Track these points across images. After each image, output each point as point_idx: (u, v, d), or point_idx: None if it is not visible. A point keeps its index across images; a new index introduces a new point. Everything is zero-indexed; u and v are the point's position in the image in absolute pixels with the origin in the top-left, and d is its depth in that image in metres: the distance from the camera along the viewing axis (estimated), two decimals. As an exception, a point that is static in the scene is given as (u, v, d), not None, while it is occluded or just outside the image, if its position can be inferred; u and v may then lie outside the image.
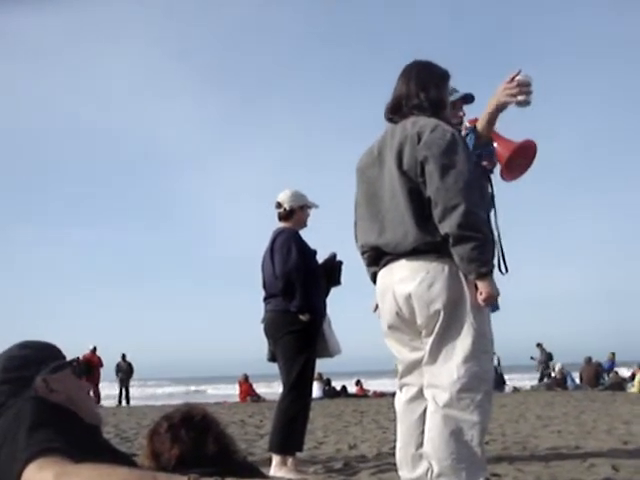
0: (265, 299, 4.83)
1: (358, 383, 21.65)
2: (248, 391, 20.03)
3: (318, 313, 4.71)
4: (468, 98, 3.68)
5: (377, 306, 3.03)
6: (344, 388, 20.87)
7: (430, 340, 2.72)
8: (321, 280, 4.86)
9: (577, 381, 20.41)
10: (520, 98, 2.93)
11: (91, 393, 2.00)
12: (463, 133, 3.27)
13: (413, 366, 2.86)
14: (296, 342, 4.57)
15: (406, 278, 2.75)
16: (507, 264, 3.34)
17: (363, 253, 2.98)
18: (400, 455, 2.91)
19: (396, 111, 2.96)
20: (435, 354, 2.72)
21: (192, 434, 2.20)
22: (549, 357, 22.50)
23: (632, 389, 17.51)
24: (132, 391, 21.67)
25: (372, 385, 24.15)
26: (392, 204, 2.80)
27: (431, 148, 2.68)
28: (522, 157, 3.46)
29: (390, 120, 2.99)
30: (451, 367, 2.67)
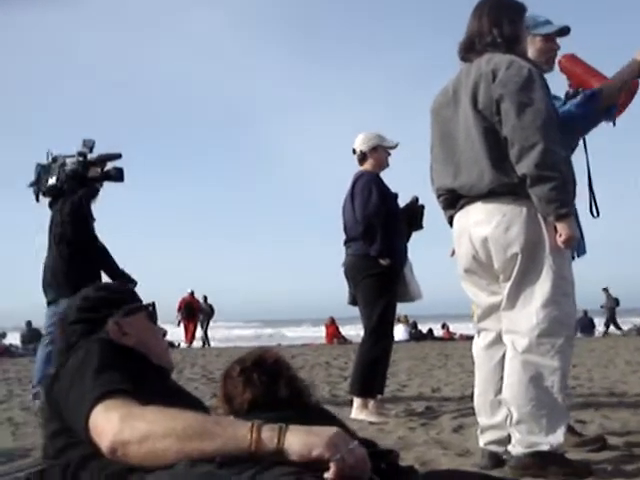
0: (345, 243, 4.82)
1: (444, 326, 21.63)
2: (334, 333, 20.30)
3: (398, 257, 4.66)
4: (564, 31, 3.38)
5: (454, 250, 2.95)
6: (430, 331, 20.92)
7: (508, 285, 2.64)
8: (402, 224, 4.80)
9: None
10: None
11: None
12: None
13: (490, 310, 2.79)
14: (376, 286, 4.55)
15: (482, 221, 2.66)
16: (598, 207, 3.16)
17: (439, 196, 2.90)
18: (478, 401, 2.85)
19: (470, 49, 2.83)
20: (513, 299, 2.64)
21: (264, 378, 2.19)
22: (616, 302, 21.85)
23: None
24: (216, 333, 22.22)
25: (459, 328, 24.02)
26: (467, 145, 2.70)
27: (507, 85, 2.56)
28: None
29: (464, 59, 2.86)
30: (530, 312, 2.59)
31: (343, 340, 19.63)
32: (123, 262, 5.29)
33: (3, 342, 17.67)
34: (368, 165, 4.83)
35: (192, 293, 20.41)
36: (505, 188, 2.60)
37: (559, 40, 3.33)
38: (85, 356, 1.57)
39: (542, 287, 2.58)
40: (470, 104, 2.67)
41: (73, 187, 5.06)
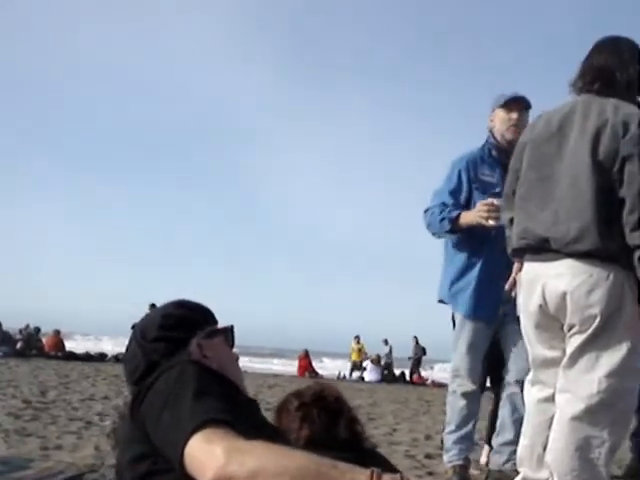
0: None
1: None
2: (307, 366, 20.13)
3: None
4: (513, 100, 3.71)
5: (513, 286, 2.89)
6: (403, 374, 20.75)
7: (577, 343, 2.53)
8: None
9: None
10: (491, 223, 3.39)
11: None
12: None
13: (546, 364, 2.68)
14: None
15: (564, 275, 2.53)
16: None
17: (521, 238, 2.69)
18: (524, 452, 2.74)
19: (587, 86, 2.68)
20: (577, 358, 2.53)
21: (324, 415, 2.10)
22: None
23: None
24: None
25: (429, 374, 23.96)
26: (571, 193, 2.54)
27: (639, 146, 2.43)
28: None
29: (577, 92, 2.71)
30: (593, 378, 2.48)
31: (315, 374, 19.45)
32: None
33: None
34: None
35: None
36: (603, 252, 2.47)
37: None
38: (180, 377, 1.46)
39: (612, 356, 2.48)
40: (588, 151, 2.50)
41: None
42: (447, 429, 3.75)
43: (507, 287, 3.13)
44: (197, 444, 1.31)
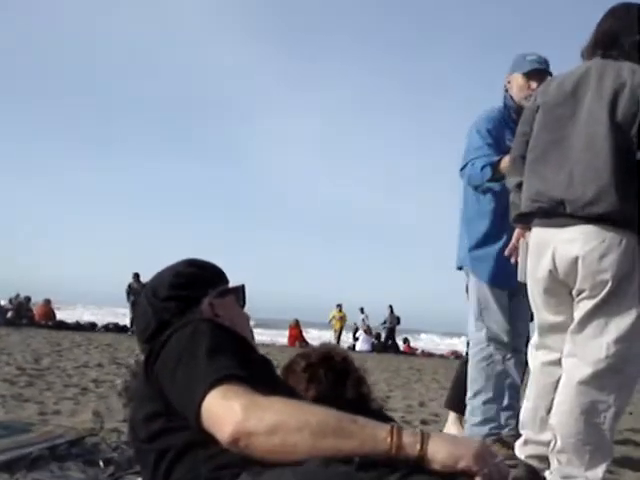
0: None
1: (406, 341, 21.66)
2: (297, 336, 20.20)
3: None
4: (536, 71, 3.56)
5: (515, 252, 2.88)
6: (395, 344, 20.87)
7: (586, 308, 2.52)
8: None
9: None
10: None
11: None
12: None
13: (552, 329, 2.68)
14: None
15: (576, 240, 2.51)
16: None
17: (533, 200, 2.66)
18: (527, 415, 2.75)
19: (607, 47, 2.64)
20: (586, 323, 2.52)
21: (331, 375, 2.09)
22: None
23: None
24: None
25: (417, 344, 24.18)
26: (586, 155, 2.51)
27: None
28: None
29: (597, 55, 2.65)
30: (601, 343, 2.48)
31: (305, 344, 19.51)
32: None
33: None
34: None
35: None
36: (619, 215, 2.44)
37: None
38: (193, 334, 1.45)
39: (621, 321, 2.48)
40: (606, 113, 2.48)
41: None
42: (484, 397, 3.54)
43: (507, 252, 3.13)
44: (214, 400, 1.30)
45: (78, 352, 9.79)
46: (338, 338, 22.07)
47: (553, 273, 2.60)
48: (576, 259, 2.51)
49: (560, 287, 2.61)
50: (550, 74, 3.54)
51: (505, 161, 3.28)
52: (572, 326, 2.56)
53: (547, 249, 2.61)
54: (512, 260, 3.05)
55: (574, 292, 2.57)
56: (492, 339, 3.56)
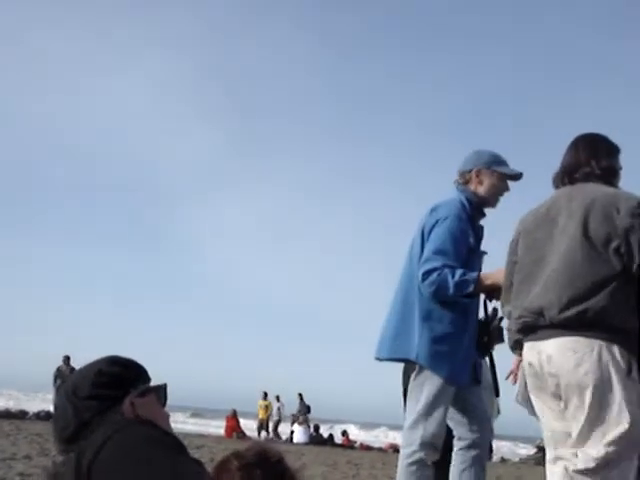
0: None
1: (344, 433, 21.31)
2: (234, 427, 19.69)
3: None
4: (517, 177, 3.65)
5: (514, 374, 3.04)
6: (331, 437, 20.52)
7: (579, 423, 2.65)
8: None
9: None
10: None
11: None
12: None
13: (563, 437, 2.77)
14: None
15: (553, 352, 2.70)
16: None
17: (519, 317, 2.83)
18: None
19: (569, 177, 2.87)
20: (586, 434, 2.65)
21: (268, 477, 2.01)
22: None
23: None
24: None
25: (358, 436, 23.83)
26: (562, 268, 2.70)
27: (637, 217, 2.62)
28: None
29: (564, 183, 2.89)
30: (600, 449, 2.60)
31: (242, 435, 19.01)
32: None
33: None
34: None
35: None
36: (594, 319, 2.61)
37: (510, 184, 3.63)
38: (148, 440, 1.42)
39: (615, 430, 2.59)
40: (580, 230, 2.67)
41: None
42: None
43: (509, 379, 3.20)
44: None
45: (5, 443, 9.27)
46: (260, 427, 21.95)
47: (546, 383, 2.77)
48: (556, 371, 2.69)
49: (555, 398, 2.76)
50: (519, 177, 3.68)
51: (486, 277, 3.34)
52: (574, 438, 2.68)
53: (535, 363, 2.78)
54: (511, 382, 3.13)
55: (562, 404, 2.73)
56: (426, 444, 3.37)
